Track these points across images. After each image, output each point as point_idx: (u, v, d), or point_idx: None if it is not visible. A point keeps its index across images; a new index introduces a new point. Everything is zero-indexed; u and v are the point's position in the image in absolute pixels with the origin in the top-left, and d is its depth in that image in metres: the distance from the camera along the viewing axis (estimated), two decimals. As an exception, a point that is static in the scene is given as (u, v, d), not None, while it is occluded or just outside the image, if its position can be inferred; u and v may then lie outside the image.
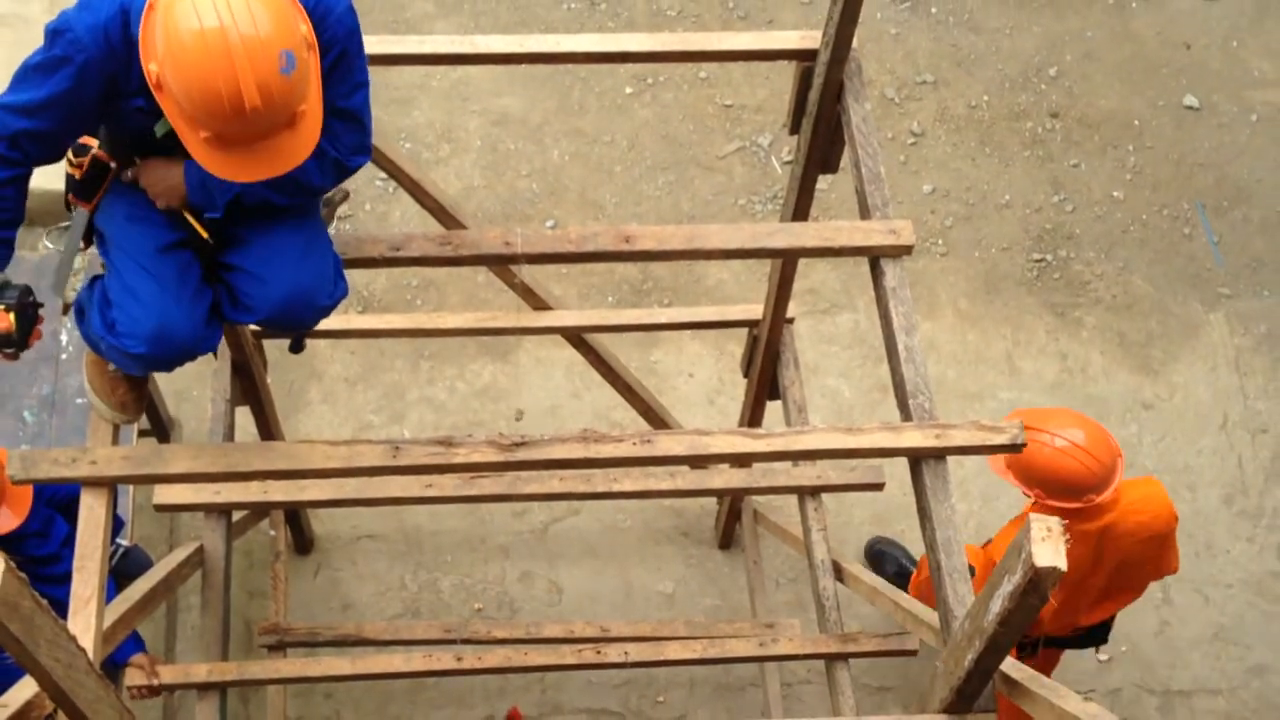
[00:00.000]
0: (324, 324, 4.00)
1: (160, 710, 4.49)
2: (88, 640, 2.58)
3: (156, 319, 2.64)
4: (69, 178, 2.78)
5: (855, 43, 3.16)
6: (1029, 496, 3.82)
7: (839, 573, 4.08)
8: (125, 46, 2.42)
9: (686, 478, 4.13)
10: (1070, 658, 4.99)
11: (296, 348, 3.17)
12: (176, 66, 2.26)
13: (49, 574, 3.42)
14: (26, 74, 2.50)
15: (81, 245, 2.82)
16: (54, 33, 2.44)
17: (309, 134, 2.39)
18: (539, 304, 4.20)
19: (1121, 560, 3.94)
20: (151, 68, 2.31)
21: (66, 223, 2.92)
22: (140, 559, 4.06)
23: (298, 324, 2.84)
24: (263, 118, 2.29)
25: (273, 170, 2.40)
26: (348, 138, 2.67)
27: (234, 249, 2.74)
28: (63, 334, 4.48)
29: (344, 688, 4.74)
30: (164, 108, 2.36)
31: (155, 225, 2.69)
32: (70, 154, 2.70)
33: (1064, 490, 3.74)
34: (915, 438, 2.84)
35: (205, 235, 2.70)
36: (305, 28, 2.37)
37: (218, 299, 2.78)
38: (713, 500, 5.07)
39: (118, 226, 2.72)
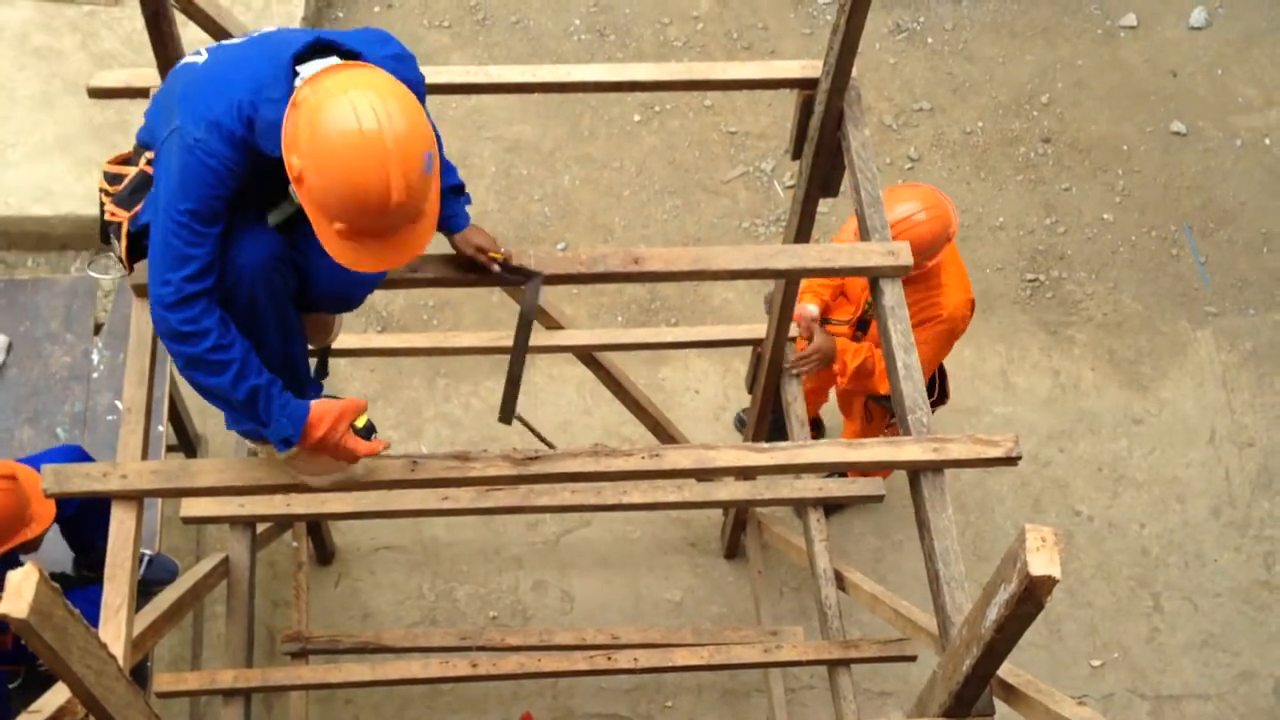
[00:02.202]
0: (344, 343, 4.08)
1: (187, 716, 4.55)
2: (118, 648, 2.59)
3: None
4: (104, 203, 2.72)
5: (854, 72, 3.19)
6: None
7: (841, 581, 4.11)
8: (246, 142, 2.40)
9: (693, 490, 4.19)
10: (1064, 664, 5.09)
11: (322, 372, 3.14)
12: (327, 163, 2.26)
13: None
14: (180, 231, 2.42)
15: (125, 266, 2.76)
16: (188, 153, 2.38)
17: (429, 227, 2.41)
18: (551, 323, 4.23)
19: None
20: (294, 161, 2.30)
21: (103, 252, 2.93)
22: (165, 564, 4.15)
23: (343, 308, 2.89)
24: (401, 215, 2.31)
25: (395, 262, 2.39)
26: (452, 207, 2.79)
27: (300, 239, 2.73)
28: (94, 354, 4.57)
29: (364, 693, 4.75)
30: (301, 199, 2.35)
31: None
32: (106, 184, 2.68)
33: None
34: (914, 451, 2.84)
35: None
36: (433, 130, 2.41)
37: None
38: (719, 512, 5.11)
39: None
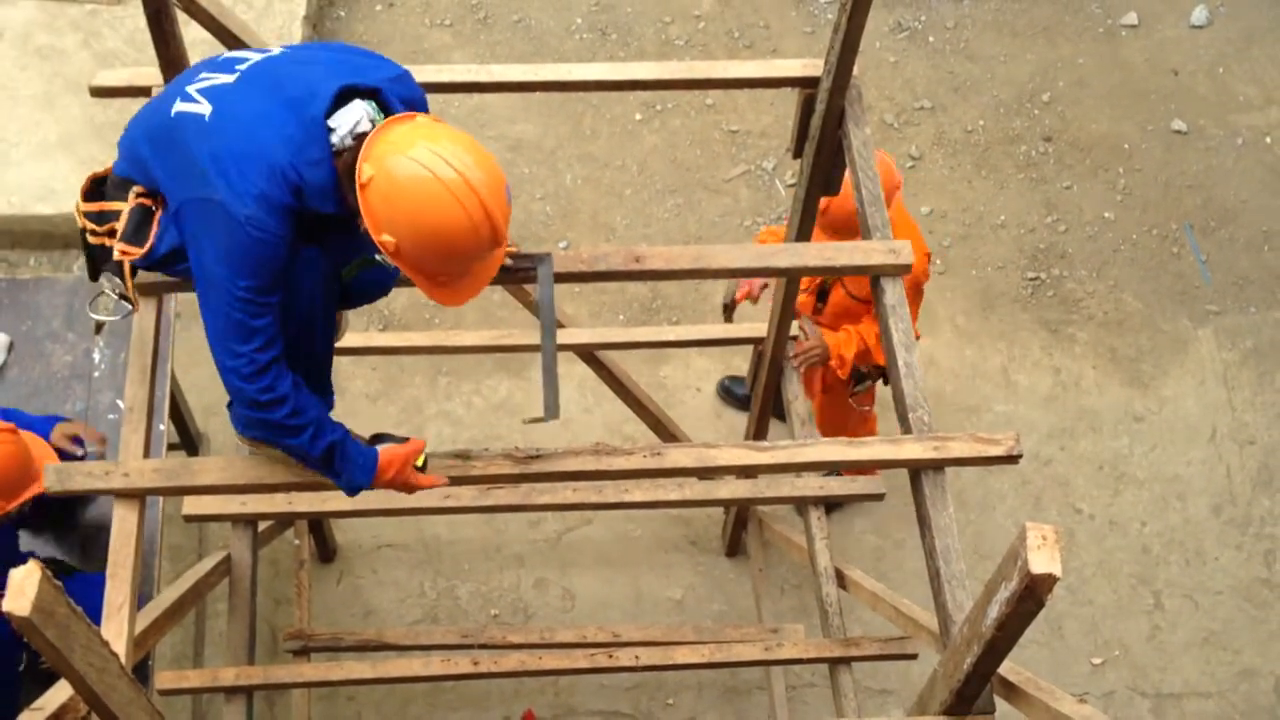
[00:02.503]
0: (346, 341, 4.09)
1: (189, 714, 4.56)
2: (120, 645, 2.60)
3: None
4: (93, 240, 2.64)
5: (855, 70, 3.19)
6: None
7: (841, 579, 4.12)
8: (296, 209, 2.37)
9: (694, 488, 4.19)
10: (1065, 662, 5.08)
11: None
12: (420, 231, 2.27)
13: None
14: (244, 307, 2.40)
15: (133, 303, 2.68)
16: (246, 233, 2.33)
17: (503, 250, 2.45)
18: None
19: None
20: (386, 239, 2.30)
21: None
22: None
23: (377, 298, 2.90)
24: (496, 246, 2.36)
25: (481, 287, 2.43)
26: None
27: None
28: (95, 353, 4.57)
29: (365, 690, 4.76)
30: (402, 268, 2.36)
31: None
32: (93, 224, 2.62)
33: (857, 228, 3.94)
34: (915, 450, 2.85)
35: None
36: None
37: None
38: (720, 510, 5.11)
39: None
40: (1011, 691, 2.72)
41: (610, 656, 3.82)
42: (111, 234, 2.60)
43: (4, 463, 3.41)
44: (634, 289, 5.62)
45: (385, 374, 5.41)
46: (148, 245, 2.56)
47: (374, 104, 2.41)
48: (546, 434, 5.24)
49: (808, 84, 3.33)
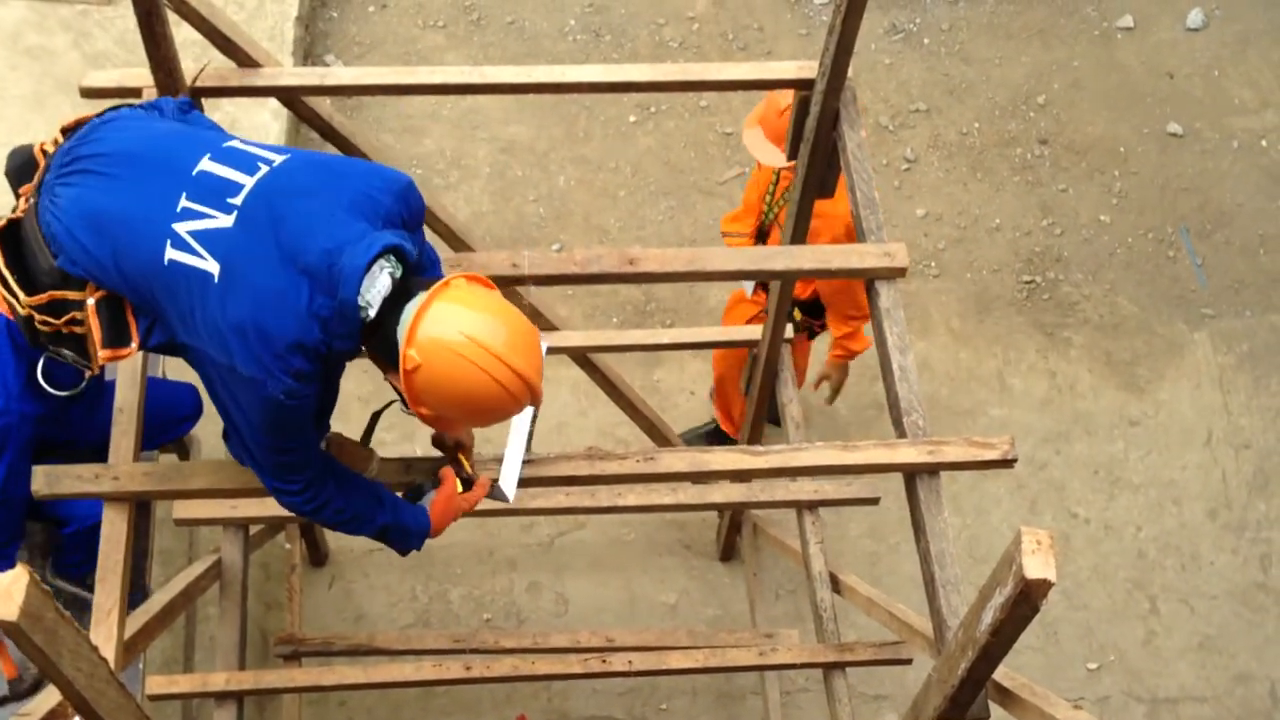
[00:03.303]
0: None
1: (179, 718, 4.52)
2: (109, 650, 2.60)
3: None
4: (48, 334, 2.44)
5: (850, 72, 3.19)
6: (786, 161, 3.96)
7: (836, 584, 4.11)
8: (327, 353, 2.32)
9: (688, 492, 4.18)
10: (1060, 667, 5.07)
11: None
12: (466, 409, 2.32)
13: None
14: (284, 458, 2.43)
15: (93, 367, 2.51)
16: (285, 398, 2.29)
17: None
18: (546, 324, 4.21)
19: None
20: (425, 411, 2.33)
21: None
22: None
23: None
24: None
25: None
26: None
27: None
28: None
29: (357, 696, 4.74)
30: (430, 425, 2.43)
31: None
32: (46, 315, 2.41)
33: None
34: (909, 454, 2.85)
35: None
36: None
37: None
38: (714, 514, 5.09)
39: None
40: (1006, 697, 2.72)
41: (604, 661, 3.81)
42: (71, 323, 2.41)
43: None
44: (627, 291, 5.61)
45: (376, 376, 5.20)
46: (134, 344, 2.42)
47: (393, 257, 2.31)
48: (539, 438, 5.21)
49: (802, 86, 3.33)
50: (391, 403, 2.65)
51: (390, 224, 2.36)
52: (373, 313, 2.28)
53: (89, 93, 3.25)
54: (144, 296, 2.37)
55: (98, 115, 2.54)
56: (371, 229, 2.30)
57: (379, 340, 2.33)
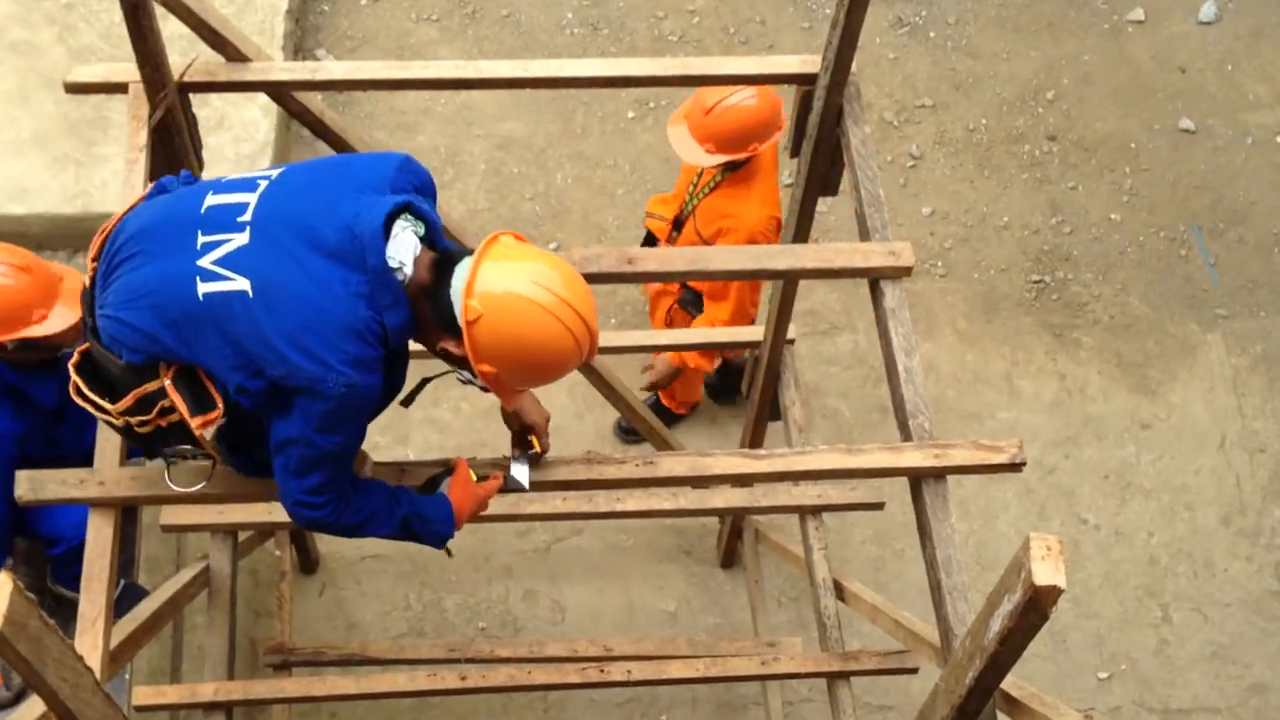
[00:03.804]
0: None
1: (166, 729, 4.51)
2: (95, 659, 2.57)
3: None
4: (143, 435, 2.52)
5: (854, 67, 3.17)
6: (708, 160, 4.18)
7: (840, 591, 4.08)
8: (383, 332, 2.33)
9: (688, 497, 4.14)
10: (1070, 676, 5.02)
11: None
12: (532, 357, 2.34)
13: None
14: (333, 457, 2.41)
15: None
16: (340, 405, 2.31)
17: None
18: None
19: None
20: (486, 368, 2.35)
21: None
22: (136, 594, 4.03)
23: None
24: None
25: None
26: None
27: None
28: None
29: (348, 706, 4.72)
30: (490, 386, 2.42)
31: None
32: (139, 416, 2.48)
33: (741, 141, 4.12)
34: (915, 457, 2.83)
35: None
36: None
37: None
38: (714, 519, 5.07)
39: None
40: (1015, 707, 2.71)
41: (601, 671, 3.79)
42: (163, 413, 2.47)
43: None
44: (626, 291, 5.59)
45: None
46: (220, 405, 2.44)
47: (409, 215, 2.37)
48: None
49: (805, 81, 3.31)
50: (445, 373, 2.62)
51: (398, 192, 2.40)
52: (409, 270, 2.31)
53: (74, 88, 3.26)
54: (202, 349, 2.39)
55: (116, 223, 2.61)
56: (380, 197, 2.37)
57: (433, 305, 2.35)
